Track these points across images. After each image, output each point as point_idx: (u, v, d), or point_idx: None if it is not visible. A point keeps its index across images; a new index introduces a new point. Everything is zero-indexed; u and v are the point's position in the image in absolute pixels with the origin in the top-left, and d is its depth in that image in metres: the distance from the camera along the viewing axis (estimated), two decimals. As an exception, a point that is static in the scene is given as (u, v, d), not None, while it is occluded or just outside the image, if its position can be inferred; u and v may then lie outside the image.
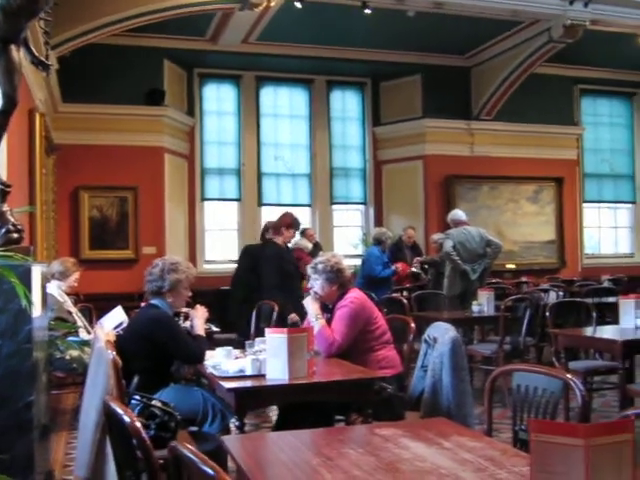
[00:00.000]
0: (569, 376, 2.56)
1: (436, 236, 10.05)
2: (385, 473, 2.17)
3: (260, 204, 12.01)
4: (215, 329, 6.60)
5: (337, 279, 4.51)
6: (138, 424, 2.01)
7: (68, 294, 6.61)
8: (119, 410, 2.11)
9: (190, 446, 1.66)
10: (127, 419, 2.04)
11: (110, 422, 2.25)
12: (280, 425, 4.46)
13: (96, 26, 8.48)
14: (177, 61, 11.21)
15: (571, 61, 12.39)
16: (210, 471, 1.52)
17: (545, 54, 11.08)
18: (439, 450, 2.40)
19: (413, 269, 10.24)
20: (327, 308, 4.59)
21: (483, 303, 7.53)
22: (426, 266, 10.30)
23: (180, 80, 11.49)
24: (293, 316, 6.73)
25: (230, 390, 3.59)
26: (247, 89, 11.99)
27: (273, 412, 5.99)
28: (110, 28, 8.63)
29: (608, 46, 11.70)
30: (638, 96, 14.18)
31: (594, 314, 6.43)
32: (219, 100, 11.95)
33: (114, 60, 10.35)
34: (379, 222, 12.22)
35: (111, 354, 3.67)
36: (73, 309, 6.43)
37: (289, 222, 7.33)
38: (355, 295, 4.51)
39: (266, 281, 7.16)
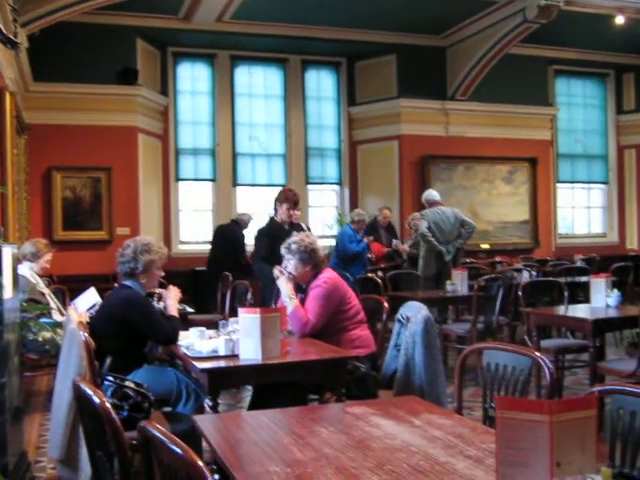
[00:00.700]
0: (538, 354, 2.59)
1: (411, 217, 10.06)
2: (355, 451, 2.19)
3: (235, 184, 11.96)
4: (189, 310, 6.60)
5: (311, 259, 4.52)
6: (108, 405, 2.01)
7: (41, 276, 6.56)
8: (89, 391, 2.10)
9: (159, 426, 1.66)
10: (97, 400, 2.04)
11: (80, 403, 2.24)
12: (254, 405, 4.47)
13: (66, 4, 8.35)
14: (150, 40, 11.08)
15: (545, 42, 12.43)
16: (179, 450, 1.52)
17: (520, 34, 11.10)
18: (409, 428, 2.42)
19: (401, 247, 10.10)
20: (301, 288, 4.60)
21: (457, 283, 7.60)
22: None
23: (153, 59, 11.37)
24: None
25: (203, 370, 3.59)
26: (221, 68, 11.90)
27: (248, 392, 6.00)
28: (81, 6, 8.51)
29: (582, 27, 11.74)
30: (611, 77, 14.27)
31: (566, 293, 6.50)
32: (193, 79, 11.84)
33: (86, 39, 10.21)
34: (354, 202, 12.23)
35: (83, 335, 3.65)
36: (46, 290, 6.38)
37: (281, 197, 6.83)
38: (328, 275, 4.52)
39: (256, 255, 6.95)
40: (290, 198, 6.74)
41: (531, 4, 10.34)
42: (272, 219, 6.88)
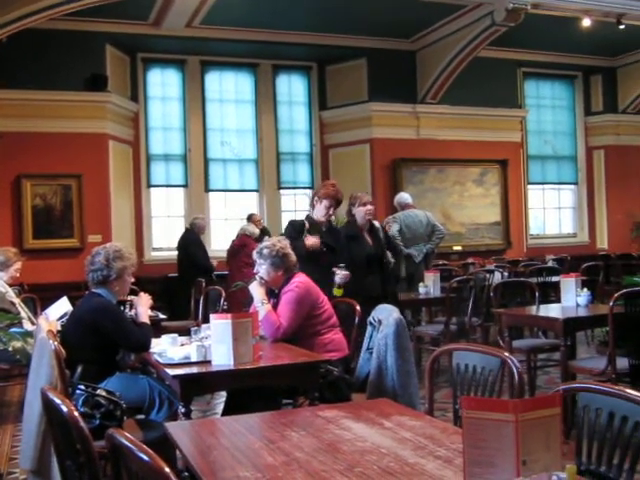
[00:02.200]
0: (506, 354, 2.61)
1: (385, 220, 10.10)
2: (326, 454, 2.20)
3: (207, 190, 11.93)
4: (162, 316, 6.58)
5: (283, 264, 4.52)
6: (76, 413, 1.99)
7: (11, 285, 6.49)
8: (57, 400, 2.08)
9: (127, 433, 1.65)
10: (65, 408, 2.02)
11: (48, 412, 2.22)
12: (228, 411, 4.45)
13: (34, 10, 8.29)
14: (120, 46, 11.03)
15: (514, 44, 12.54)
16: (146, 457, 1.51)
17: (488, 37, 11.19)
18: (380, 430, 2.43)
19: None
20: (273, 293, 4.60)
21: (429, 285, 7.64)
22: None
23: (123, 65, 11.31)
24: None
25: (175, 377, 3.58)
26: (192, 74, 11.87)
27: (223, 398, 5.98)
28: (48, 12, 8.45)
29: (550, 30, 11.87)
30: (579, 79, 14.45)
31: (537, 293, 6.56)
32: (163, 85, 11.80)
33: (55, 45, 10.13)
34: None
35: (53, 344, 3.62)
36: (16, 300, 6.32)
37: (320, 192, 5.80)
38: (300, 280, 4.53)
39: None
40: (331, 195, 5.66)
41: (499, 7, 10.43)
42: (308, 217, 5.91)
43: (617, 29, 11.29)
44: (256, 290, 4.52)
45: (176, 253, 10.36)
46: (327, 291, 5.05)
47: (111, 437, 1.69)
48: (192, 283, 8.45)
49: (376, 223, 6.37)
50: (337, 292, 5.38)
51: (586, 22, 11.19)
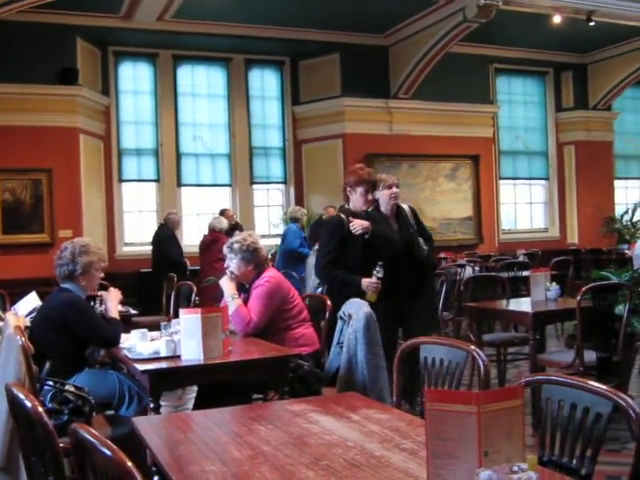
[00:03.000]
0: (473, 347, 2.64)
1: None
2: (293, 447, 2.20)
3: (179, 185, 11.86)
4: (133, 312, 6.55)
5: (253, 259, 4.52)
6: (40, 409, 1.98)
7: (-21, 280, 6.42)
8: (21, 395, 2.07)
9: (90, 428, 1.64)
10: (29, 404, 2.01)
11: (13, 408, 2.21)
12: (198, 406, 4.46)
13: (1, 2, 8.18)
14: (90, 39, 10.91)
15: (486, 40, 12.60)
16: (108, 452, 1.51)
17: (460, 33, 11.22)
18: (347, 423, 2.45)
19: None
20: (244, 288, 4.60)
21: (401, 279, 7.65)
22: None
23: (94, 58, 11.20)
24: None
25: (144, 372, 3.58)
26: (164, 68, 11.78)
27: (194, 393, 5.96)
28: (17, 4, 8.35)
29: (521, 26, 11.93)
30: (550, 75, 14.55)
31: (507, 287, 6.62)
32: (135, 79, 11.70)
33: (25, 38, 9.99)
34: (299, 201, 12.23)
35: (21, 340, 3.59)
36: (-16, 296, 6.25)
37: (352, 180, 5.19)
38: (271, 274, 4.54)
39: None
40: (365, 179, 5.05)
41: (470, 4, 10.47)
42: (343, 208, 5.44)
43: (587, 26, 11.39)
44: (226, 285, 4.52)
45: (149, 248, 10.30)
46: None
47: (74, 432, 1.68)
48: (163, 278, 8.41)
49: (405, 206, 5.55)
50: (370, 298, 4.73)
51: (557, 19, 11.28)
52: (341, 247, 4.93)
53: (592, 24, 11.34)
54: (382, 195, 5.32)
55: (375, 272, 4.75)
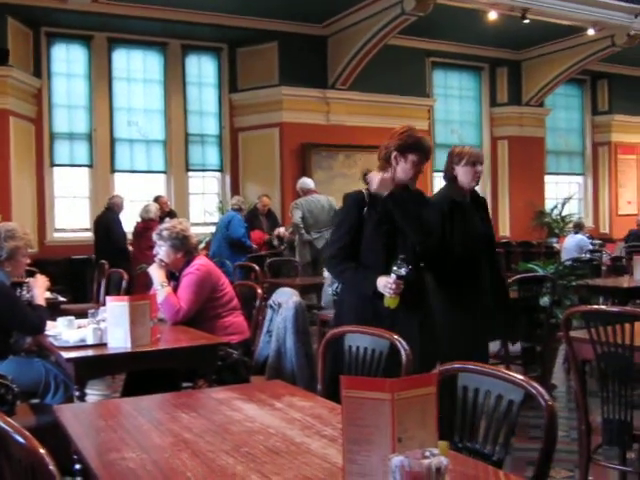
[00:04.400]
0: (395, 337, 2.68)
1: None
2: (214, 434, 2.22)
3: (113, 171, 11.66)
4: (62, 299, 6.43)
5: (183, 246, 4.50)
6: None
7: None
8: None
9: (3, 415, 1.63)
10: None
11: None
12: (126, 394, 4.42)
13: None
14: (22, 19, 10.61)
15: (424, 34, 12.74)
16: (21, 439, 1.50)
17: (398, 26, 11.32)
18: (270, 411, 2.47)
19: (282, 233, 10.28)
20: (174, 276, 4.58)
21: (334, 269, 7.70)
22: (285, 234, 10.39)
23: (26, 39, 10.89)
24: None
25: (69, 360, 3.54)
26: (98, 51, 11.55)
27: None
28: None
29: (458, 21, 12.10)
30: (486, 70, 14.80)
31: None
32: (69, 61, 11.44)
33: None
34: (235, 190, 12.19)
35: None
36: None
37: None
38: (201, 262, 4.52)
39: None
40: (419, 145, 3.80)
41: (409, -4, 10.58)
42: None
43: (522, 23, 11.64)
44: (155, 272, 4.49)
45: (81, 235, 10.12)
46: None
47: (-13, 419, 1.66)
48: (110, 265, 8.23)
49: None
50: (389, 302, 3.59)
51: (492, 15, 11.48)
52: (357, 232, 3.74)
53: (526, 22, 11.58)
54: (464, 172, 4.38)
55: (395, 269, 3.57)
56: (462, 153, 4.42)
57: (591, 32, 12.58)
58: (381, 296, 3.59)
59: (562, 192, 15.71)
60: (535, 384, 1.99)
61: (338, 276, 3.92)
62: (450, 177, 4.44)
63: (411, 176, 3.80)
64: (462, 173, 4.37)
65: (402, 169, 3.78)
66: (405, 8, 10.76)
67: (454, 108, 14.55)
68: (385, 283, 3.56)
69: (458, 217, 4.26)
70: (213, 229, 10.56)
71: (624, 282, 7.03)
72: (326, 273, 4.37)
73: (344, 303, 3.87)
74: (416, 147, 3.77)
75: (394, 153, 3.77)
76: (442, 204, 4.27)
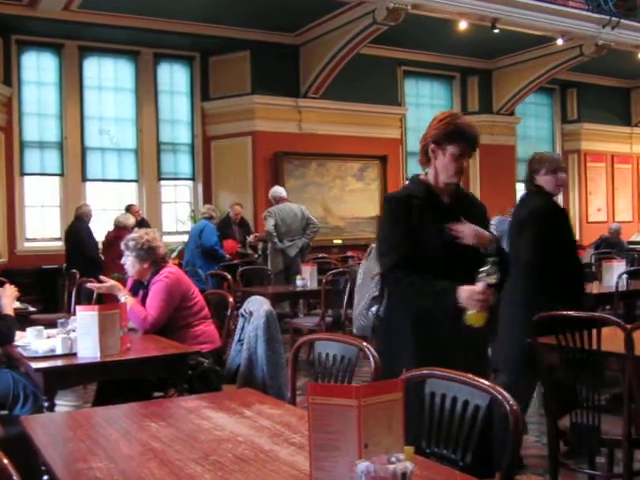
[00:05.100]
0: (364, 343, 2.70)
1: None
2: (183, 443, 2.21)
3: (84, 179, 11.59)
4: (32, 309, 6.38)
5: (149, 256, 4.48)
6: None
7: None
8: None
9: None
10: None
11: None
12: (97, 404, 4.39)
13: None
14: (-8, 27, 10.55)
15: (395, 43, 12.82)
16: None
17: (370, 35, 11.39)
18: (239, 419, 2.47)
19: (239, 249, 10.34)
20: (143, 285, 4.56)
21: (306, 277, 7.74)
22: (260, 243, 10.41)
23: (-5, 47, 10.83)
24: None
25: (37, 370, 3.50)
26: (69, 59, 11.48)
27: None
28: None
29: (430, 31, 12.20)
30: (457, 79, 14.92)
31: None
32: (39, 69, 11.36)
33: None
34: (207, 198, 12.16)
35: None
36: None
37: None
38: (170, 270, 4.51)
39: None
40: (460, 132, 3.08)
41: (380, 6, 10.64)
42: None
43: (493, 33, 11.77)
44: (114, 291, 4.51)
45: (52, 244, 10.02)
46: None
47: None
48: (81, 275, 8.16)
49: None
50: (475, 319, 2.83)
51: (463, 25, 11.60)
52: (411, 237, 3.00)
53: (497, 31, 11.72)
54: (546, 180, 4.24)
55: (484, 274, 2.83)
56: (541, 161, 4.30)
57: (560, 42, 12.77)
58: (453, 314, 2.85)
59: (533, 200, 15.83)
60: (500, 389, 2.01)
61: (406, 290, 3.01)
62: (534, 187, 4.32)
63: (452, 173, 3.10)
64: (544, 182, 4.26)
65: (441, 165, 3.10)
66: (377, 17, 10.84)
67: (426, 117, 14.57)
68: (471, 294, 2.80)
69: (555, 226, 4.24)
70: (185, 238, 10.52)
71: (593, 288, 7.11)
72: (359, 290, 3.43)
73: (396, 329, 3.07)
74: (456, 136, 3.07)
75: (431, 145, 3.12)
76: (550, 217, 4.24)
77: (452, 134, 3.06)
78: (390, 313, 3.13)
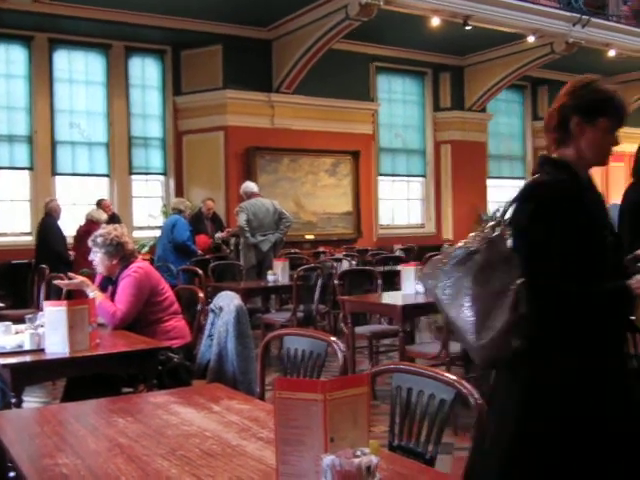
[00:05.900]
0: (333, 338, 2.72)
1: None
2: (150, 439, 2.21)
3: (54, 173, 11.46)
4: (0, 304, 6.33)
5: (117, 252, 4.47)
6: None
7: None
8: None
9: None
10: None
11: None
12: (66, 400, 4.36)
13: None
14: (-42, 18, 10.40)
15: (368, 39, 12.84)
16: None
17: (342, 31, 11.39)
18: (207, 414, 2.47)
19: (218, 240, 10.32)
20: (112, 281, 4.54)
21: (278, 273, 7.75)
22: (232, 239, 10.40)
23: (-38, 39, 10.68)
24: None
25: (5, 366, 3.48)
26: (39, 51, 11.33)
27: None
28: None
29: (402, 27, 12.23)
30: (429, 76, 14.98)
31: (380, 281, 6.81)
32: (8, 62, 11.18)
33: None
34: (179, 193, 12.09)
35: None
36: None
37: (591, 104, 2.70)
38: (139, 265, 4.49)
39: None
40: (616, 104, 2.44)
41: (353, 2, 10.65)
42: (550, 160, 2.51)
43: (464, 30, 11.83)
44: (83, 287, 4.49)
45: (21, 239, 9.92)
46: None
47: None
48: (50, 270, 8.09)
49: None
50: None
51: (435, 21, 11.65)
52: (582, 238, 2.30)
53: (468, 28, 11.78)
54: None
55: None
56: None
57: (531, 39, 12.87)
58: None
59: (503, 196, 15.97)
60: (466, 383, 2.04)
61: (578, 302, 2.28)
62: None
63: (607, 153, 2.47)
64: None
65: (591, 142, 2.41)
66: (349, 13, 10.85)
67: (398, 112, 14.69)
68: None
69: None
70: (157, 233, 10.45)
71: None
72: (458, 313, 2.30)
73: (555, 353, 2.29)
74: (609, 105, 2.41)
75: (575, 119, 2.41)
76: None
77: (604, 102, 2.41)
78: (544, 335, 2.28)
